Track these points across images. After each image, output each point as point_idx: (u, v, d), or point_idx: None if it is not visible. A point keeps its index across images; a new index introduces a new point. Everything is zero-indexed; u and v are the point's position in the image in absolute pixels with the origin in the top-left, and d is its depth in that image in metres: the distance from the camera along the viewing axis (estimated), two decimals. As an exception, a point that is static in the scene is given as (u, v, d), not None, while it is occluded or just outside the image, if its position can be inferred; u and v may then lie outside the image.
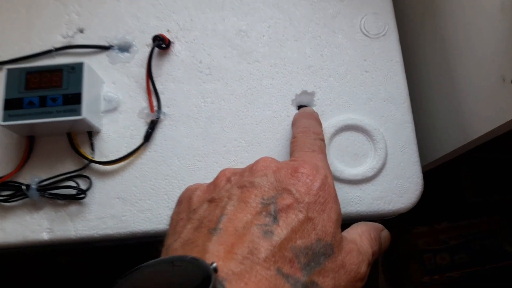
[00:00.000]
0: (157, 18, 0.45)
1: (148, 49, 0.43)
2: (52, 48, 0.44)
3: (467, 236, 0.95)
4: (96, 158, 0.41)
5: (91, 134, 0.42)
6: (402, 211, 0.41)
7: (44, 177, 0.40)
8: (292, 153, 0.34)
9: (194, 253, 0.25)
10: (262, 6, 0.46)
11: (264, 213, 0.26)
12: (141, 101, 0.43)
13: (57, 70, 0.39)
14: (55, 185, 0.40)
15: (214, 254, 0.24)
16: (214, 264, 0.22)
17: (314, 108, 0.43)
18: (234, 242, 0.25)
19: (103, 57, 0.44)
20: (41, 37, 0.45)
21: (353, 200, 0.41)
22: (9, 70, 0.39)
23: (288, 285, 0.24)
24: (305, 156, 0.32)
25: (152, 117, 0.42)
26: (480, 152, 0.51)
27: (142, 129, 0.42)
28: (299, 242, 0.25)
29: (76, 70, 0.40)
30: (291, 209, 0.26)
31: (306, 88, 0.43)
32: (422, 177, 0.42)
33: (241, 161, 0.42)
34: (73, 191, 0.40)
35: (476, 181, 0.88)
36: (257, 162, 0.31)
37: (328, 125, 0.42)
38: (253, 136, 0.42)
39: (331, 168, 0.41)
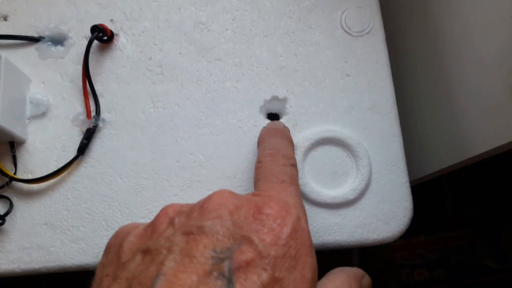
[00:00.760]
0: (99, 5, 0.38)
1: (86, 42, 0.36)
2: (-33, 38, 0.36)
3: (445, 250, 0.92)
4: (19, 175, 0.34)
5: (13, 144, 0.34)
6: (388, 241, 0.35)
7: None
8: (256, 183, 0.27)
9: None
10: (226, -6, 0.39)
11: (215, 273, 0.19)
12: (76, 105, 0.36)
13: (-34, 65, 0.32)
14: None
15: None
16: None
17: (286, 118, 0.36)
18: None
19: (31, 50, 0.37)
20: (-45, 24, 0.37)
21: (331, 227, 0.34)
22: None
23: None
24: (272, 190, 0.25)
25: (89, 124, 0.35)
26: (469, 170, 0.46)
27: (77, 139, 0.35)
28: None
29: (-9, 65, 0.32)
30: (252, 267, 0.19)
31: (277, 93, 0.37)
32: (411, 200, 0.36)
33: (198, 180, 0.35)
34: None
35: (456, 195, 0.84)
36: (210, 197, 0.23)
37: (303, 137, 0.35)
38: (213, 149, 0.35)
39: (306, 189, 0.34)
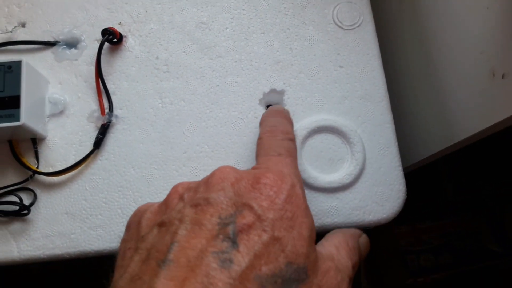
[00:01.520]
0: (108, 9, 0.41)
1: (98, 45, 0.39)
2: (-11, 45, 0.39)
3: (449, 235, 0.93)
4: (41, 169, 0.37)
5: (35, 141, 0.37)
6: (383, 222, 0.38)
7: (-19, 191, 0.35)
8: (256, 157, 0.30)
9: None
10: (226, -5, 0.41)
11: (221, 236, 0.22)
12: (90, 103, 0.39)
13: (-10, 70, 0.35)
14: (-7, 200, 0.35)
15: None
16: None
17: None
18: (186, 277, 0.21)
19: (48, 54, 0.40)
20: (-23, 32, 0.40)
21: (329, 210, 0.37)
22: None
23: None
24: (270, 162, 0.28)
25: (103, 120, 0.38)
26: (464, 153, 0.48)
27: (92, 134, 0.38)
28: (264, 269, 0.21)
29: (13, 69, 0.35)
30: (253, 229, 0.22)
31: (275, 86, 0.39)
32: (404, 183, 0.38)
33: (205, 169, 0.37)
34: (15, 207, 0.35)
35: (456, 179, 0.85)
36: (213, 173, 0.26)
37: (300, 127, 0.38)
38: (217, 140, 0.38)
39: (304, 175, 0.37)
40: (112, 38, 0.38)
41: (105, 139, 0.38)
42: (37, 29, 0.40)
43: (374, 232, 0.89)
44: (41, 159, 0.37)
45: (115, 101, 0.39)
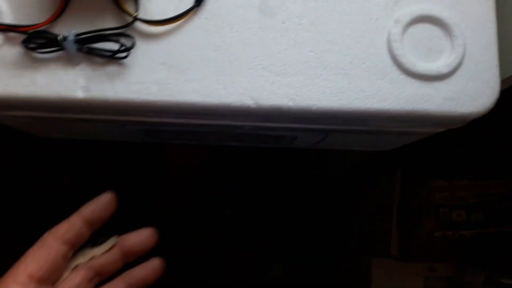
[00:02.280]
0: None
1: None
2: None
3: (485, 196, 0.92)
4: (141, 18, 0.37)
5: (136, -9, 0.37)
6: (473, 116, 0.37)
7: (83, 31, 0.35)
8: None
9: None
10: None
11: None
12: (194, -38, 0.38)
13: None
14: (95, 39, 0.35)
15: None
16: None
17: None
18: None
19: None
20: None
21: (423, 97, 0.37)
22: None
23: None
24: None
25: (206, -20, 0.37)
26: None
27: (193, -6, 0.37)
28: None
29: None
30: None
31: (382, -31, 0.38)
32: (499, 82, 0.38)
33: (301, 41, 0.37)
34: (115, 47, 0.35)
35: (508, 135, 0.84)
36: None
37: (404, 12, 0.37)
38: (317, 15, 0.37)
39: (403, 60, 0.36)
40: None
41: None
42: None
43: (412, 183, 0.90)
44: (140, 9, 0.37)
45: (219, -37, 0.38)
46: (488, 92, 0.37)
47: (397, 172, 0.94)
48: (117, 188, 0.34)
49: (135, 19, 0.36)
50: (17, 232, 0.78)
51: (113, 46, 0.36)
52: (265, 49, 0.37)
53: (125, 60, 0.36)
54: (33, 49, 0.36)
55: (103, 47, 0.35)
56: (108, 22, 0.37)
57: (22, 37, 0.35)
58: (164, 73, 0.36)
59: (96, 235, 0.33)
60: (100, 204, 0.32)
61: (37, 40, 0.36)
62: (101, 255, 0.32)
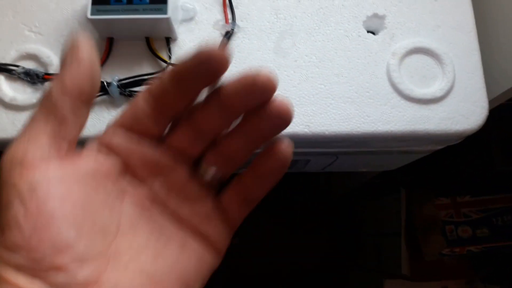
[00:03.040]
0: None
1: (227, -37, 0.44)
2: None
3: (489, 211, 0.95)
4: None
5: (169, 40, 0.43)
6: (468, 133, 0.42)
7: (124, 77, 0.41)
8: None
9: None
10: None
11: None
12: (216, 14, 0.44)
13: (144, -30, 0.40)
14: (135, 84, 0.41)
15: None
16: None
17: (385, 31, 0.44)
18: None
19: (180, -31, 0.45)
20: None
21: (422, 118, 0.42)
22: (97, -32, 0.40)
23: None
24: None
25: (227, 28, 0.43)
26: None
27: (217, 40, 0.43)
28: None
29: (160, -26, 0.41)
30: None
31: (377, 11, 0.44)
32: (487, 102, 0.43)
33: (312, 76, 0.43)
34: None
35: (505, 148, 0.88)
36: None
37: (399, 46, 0.43)
38: (324, 52, 0.43)
39: (402, 87, 0.42)
40: (240, -43, 0.44)
41: (227, 44, 0.43)
42: None
43: (417, 202, 0.94)
44: (173, 56, 0.43)
45: (237, 14, 0.44)
46: (478, 110, 0.42)
47: (401, 193, 0.98)
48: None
49: (169, 64, 0.42)
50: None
51: (150, 89, 0.41)
52: (281, 84, 0.42)
53: (161, 100, 0.41)
54: (80, 96, 0.41)
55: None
56: (146, 68, 0.42)
57: (71, 85, 0.41)
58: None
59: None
60: (198, 56, 0.22)
61: (84, 88, 0.41)
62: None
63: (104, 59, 0.42)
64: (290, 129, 0.41)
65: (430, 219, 0.96)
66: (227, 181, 0.26)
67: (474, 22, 0.45)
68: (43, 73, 0.41)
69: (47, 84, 0.41)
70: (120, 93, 0.41)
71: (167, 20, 0.40)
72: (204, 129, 0.24)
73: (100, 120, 0.41)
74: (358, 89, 0.42)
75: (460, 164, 0.93)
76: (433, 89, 0.42)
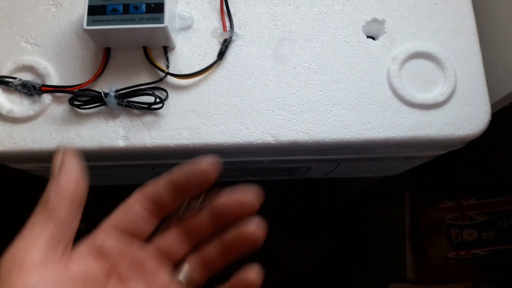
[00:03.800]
0: None
1: (224, -29, 0.44)
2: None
3: (494, 213, 0.94)
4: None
5: (166, 49, 0.42)
6: (470, 138, 0.42)
7: (121, 87, 0.41)
8: None
9: None
10: None
11: None
12: (214, 21, 0.44)
13: (140, -21, 0.40)
14: (132, 94, 0.41)
15: None
16: None
17: (384, 36, 0.43)
18: None
19: (177, -23, 0.45)
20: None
21: (423, 124, 0.41)
22: (93, -22, 0.40)
23: None
24: None
25: (225, 36, 0.43)
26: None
27: (215, 48, 0.43)
28: None
29: (156, -17, 0.40)
30: None
31: (377, 16, 0.44)
32: (489, 106, 0.42)
33: (312, 83, 0.42)
34: (150, 99, 0.40)
35: (510, 151, 0.87)
36: None
37: (399, 51, 0.43)
38: (323, 59, 0.43)
39: (403, 92, 0.41)
40: (237, -36, 0.44)
41: (226, 52, 0.43)
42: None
43: (422, 205, 0.93)
44: (170, 66, 0.42)
45: (235, 21, 0.44)
46: (481, 115, 0.42)
47: (405, 196, 0.97)
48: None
49: (167, 74, 0.41)
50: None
51: (148, 98, 0.41)
52: (280, 91, 0.42)
53: (160, 110, 0.41)
54: (78, 106, 0.41)
55: (140, 100, 0.41)
56: (143, 78, 0.42)
57: (68, 96, 0.41)
58: (194, 119, 0.41)
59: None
60: (193, 169, 0.26)
61: (81, 98, 0.41)
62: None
63: (101, 69, 0.42)
64: (290, 136, 0.41)
65: (435, 223, 0.95)
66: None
67: (475, 25, 0.44)
68: (40, 85, 0.41)
69: (44, 95, 0.41)
70: (118, 104, 0.40)
71: (164, 29, 0.39)
72: (192, 233, 0.27)
73: (98, 131, 0.41)
74: (358, 95, 0.42)
75: (465, 167, 0.92)
76: (435, 94, 0.42)
